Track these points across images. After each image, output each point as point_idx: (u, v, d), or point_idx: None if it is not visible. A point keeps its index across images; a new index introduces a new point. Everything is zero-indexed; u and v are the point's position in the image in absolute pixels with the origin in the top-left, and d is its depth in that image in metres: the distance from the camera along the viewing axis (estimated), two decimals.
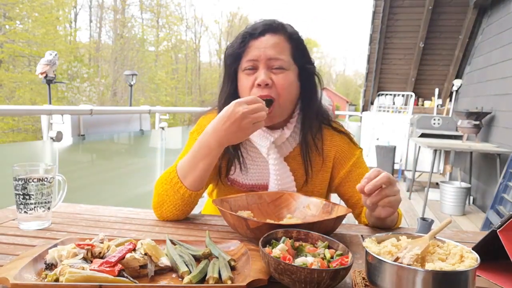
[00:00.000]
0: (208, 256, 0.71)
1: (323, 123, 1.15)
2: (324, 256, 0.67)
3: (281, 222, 0.88)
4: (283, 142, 1.10)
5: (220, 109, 1.08)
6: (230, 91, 1.09)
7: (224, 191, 1.14)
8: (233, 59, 1.06)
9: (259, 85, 1.01)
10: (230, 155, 1.10)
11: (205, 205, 1.29)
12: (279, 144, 1.10)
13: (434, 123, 5.76)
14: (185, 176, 0.96)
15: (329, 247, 0.70)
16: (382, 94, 7.24)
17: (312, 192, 1.13)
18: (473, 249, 0.64)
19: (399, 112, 6.97)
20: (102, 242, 0.72)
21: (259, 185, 1.11)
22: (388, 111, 7.07)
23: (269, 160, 1.09)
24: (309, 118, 1.11)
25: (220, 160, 1.10)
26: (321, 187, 1.15)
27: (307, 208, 0.99)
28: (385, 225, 0.99)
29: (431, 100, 6.99)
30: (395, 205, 0.89)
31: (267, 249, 0.66)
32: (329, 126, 1.17)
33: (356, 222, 1.15)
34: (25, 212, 0.89)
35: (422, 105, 7.10)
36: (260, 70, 1.03)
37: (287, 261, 0.60)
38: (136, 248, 0.70)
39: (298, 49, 1.07)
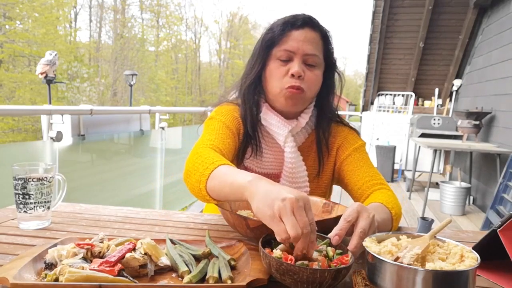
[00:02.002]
0: (208, 256, 0.71)
1: (333, 120, 1.20)
2: (327, 254, 0.67)
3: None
4: (297, 133, 1.14)
5: (242, 92, 1.12)
6: (258, 74, 1.10)
7: None
8: (270, 44, 1.08)
9: (292, 75, 1.04)
10: (247, 138, 1.12)
11: (206, 204, 1.29)
12: (294, 133, 1.14)
13: (434, 123, 5.76)
14: (214, 187, 0.86)
15: (328, 246, 0.70)
16: (382, 94, 7.24)
17: (318, 184, 1.17)
18: (473, 248, 0.64)
19: (399, 112, 6.97)
20: (102, 242, 0.72)
21: (271, 174, 1.14)
22: (388, 111, 7.07)
23: (285, 148, 1.12)
24: (324, 113, 1.16)
25: (241, 146, 1.12)
26: (326, 178, 1.19)
27: None
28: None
29: (431, 100, 6.99)
30: (373, 231, 0.74)
31: (267, 250, 0.66)
32: (339, 123, 1.22)
33: None
34: (24, 211, 0.89)
35: (422, 105, 7.10)
36: (295, 62, 1.05)
37: (289, 262, 0.60)
38: (136, 248, 0.70)
39: (328, 49, 1.12)
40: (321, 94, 1.14)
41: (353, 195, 1.13)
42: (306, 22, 1.07)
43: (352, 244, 0.68)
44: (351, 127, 1.22)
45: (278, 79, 1.06)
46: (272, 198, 0.65)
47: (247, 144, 1.13)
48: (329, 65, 1.13)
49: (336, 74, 1.16)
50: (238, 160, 1.13)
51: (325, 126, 1.16)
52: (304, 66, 1.06)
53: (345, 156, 1.15)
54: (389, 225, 0.91)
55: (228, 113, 1.13)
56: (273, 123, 1.11)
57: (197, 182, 0.88)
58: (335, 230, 0.70)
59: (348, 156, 1.15)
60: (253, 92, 1.12)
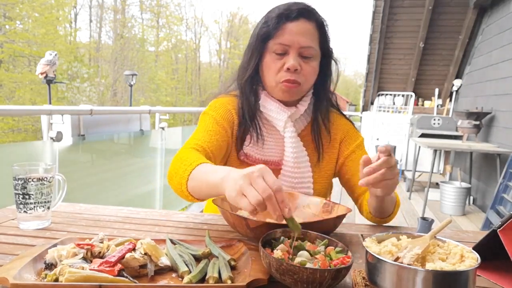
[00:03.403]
0: (208, 256, 0.71)
1: (331, 106, 1.21)
2: (328, 254, 0.67)
3: (281, 222, 0.88)
4: (296, 120, 1.14)
5: (242, 84, 1.12)
6: (255, 69, 1.10)
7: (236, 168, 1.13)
8: (265, 38, 1.06)
9: (288, 69, 1.04)
10: (246, 126, 1.12)
11: (206, 204, 1.28)
12: (293, 120, 1.14)
13: (434, 123, 5.76)
14: (193, 187, 0.90)
15: (328, 246, 0.70)
16: (382, 94, 7.24)
17: (320, 173, 1.16)
18: (473, 248, 0.64)
19: (399, 112, 6.97)
20: (102, 242, 0.72)
21: (272, 161, 1.13)
22: (388, 111, 7.07)
23: (285, 133, 1.12)
24: (322, 98, 1.17)
25: (238, 134, 1.12)
26: (328, 168, 1.19)
27: (307, 208, 0.99)
28: (384, 209, 1.00)
29: (431, 100, 6.99)
30: (391, 188, 0.87)
31: (267, 250, 0.66)
32: (336, 109, 1.23)
33: (356, 220, 1.16)
34: (24, 211, 0.89)
35: (422, 105, 7.10)
36: (290, 55, 1.04)
37: (289, 262, 0.60)
38: (136, 248, 0.70)
39: (324, 38, 1.10)
40: (318, 82, 1.14)
41: (352, 190, 1.17)
42: (301, 13, 1.05)
43: (369, 179, 0.80)
44: (349, 120, 1.24)
45: (274, 73, 1.06)
46: (235, 181, 0.69)
47: (246, 132, 1.12)
48: (325, 54, 1.12)
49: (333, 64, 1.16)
50: (238, 148, 1.13)
51: (323, 111, 1.17)
52: (300, 58, 1.05)
53: (348, 152, 1.17)
54: (393, 205, 1.02)
55: (221, 107, 1.14)
56: (272, 109, 1.12)
57: (179, 184, 0.92)
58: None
59: (351, 152, 1.17)
60: (251, 84, 1.12)
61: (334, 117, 1.21)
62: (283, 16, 1.04)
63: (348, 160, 1.17)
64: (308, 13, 1.06)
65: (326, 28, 1.10)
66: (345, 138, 1.19)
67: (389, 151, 0.83)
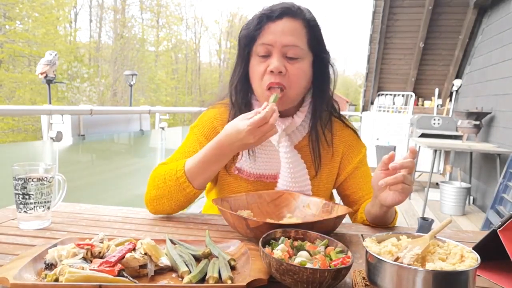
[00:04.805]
0: (208, 256, 0.71)
1: (333, 115, 1.14)
2: (328, 254, 0.67)
3: (281, 222, 0.88)
4: (293, 131, 1.09)
5: (231, 93, 1.08)
6: (243, 74, 1.05)
7: (230, 182, 1.11)
8: (248, 41, 1.01)
9: (271, 71, 0.98)
10: None
11: (204, 205, 1.28)
12: (289, 132, 1.08)
13: (434, 123, 5.76)
14: (195, 177, 0.97)
15: (328, 246, 0.70)
16: (382, 94, 7.24)
17: (318, 186, 1.12)
18: (473, 248, 0.64)
19: (399, 112, 6.97)
20: (102, 242, 0.72)
21: (267, 175, 1.09)
22: (388, 111, 7.07)
23: (280, 148, 1.07)
24: (320, 107, 1.09)
25: None
26: (328, 181, 1.14)
27: (307, 208, 0.99)
28: (383, 220, 0.99)
29: (431, 100, 6.99)
30: (406, 193, 0.86)
31: (267, 250, 0.66)
32: (338, 119, 1.16)
33: None
34: (24, 211, 0.89)
35: (422, 105, 7.10)
36: (274, 57, 0.98)
37: (289, 262, 0.60)
38: (136, 248, 0.70)
39: (315, 37, 1.02)
40: (315, 86, 1.08)
41: (350, 205, 1.14)
42: (285, 12, 0.99)
43: (388, 179, 0.83)
44: (352, 129, 1.17)
45: (259, 78, 1.01)
46: (245, 140, 0.90)
47: None
48: (318, 55, 1.04)
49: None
50: (228, 164, 1.09)
51: (323, 119, 1.09)
52: (286, 60, 0.99)
53: (351, 168, 1.13)
54: (393, 216, 1.02)
55: (207, 124, 1.11)
56: None
57: (180, 192, 0.98)
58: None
59: (354, 169, 1.13)
60: (241, 93, 1.07)
61: (337, 128, 1.14)
62: (265, 16, 0.99)
63: (350, 177, 1.13)
64: (292, 12, 1.00)
65: (316, 27, 1.02)
66: (347, 152, 1.13)
67: (416, 155, 0.85)
